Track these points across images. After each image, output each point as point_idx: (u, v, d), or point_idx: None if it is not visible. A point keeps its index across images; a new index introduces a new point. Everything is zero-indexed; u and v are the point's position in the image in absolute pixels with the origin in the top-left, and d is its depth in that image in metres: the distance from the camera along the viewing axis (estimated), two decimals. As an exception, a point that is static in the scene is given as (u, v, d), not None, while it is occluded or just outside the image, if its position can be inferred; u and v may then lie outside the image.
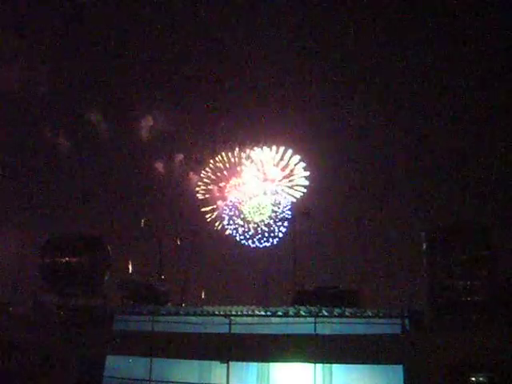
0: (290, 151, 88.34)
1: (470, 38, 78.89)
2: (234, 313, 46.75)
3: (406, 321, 43.40)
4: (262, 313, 46.63)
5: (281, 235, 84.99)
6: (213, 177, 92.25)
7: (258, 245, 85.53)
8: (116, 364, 48.87)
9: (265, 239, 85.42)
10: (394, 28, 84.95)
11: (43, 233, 63.40)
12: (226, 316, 46.28)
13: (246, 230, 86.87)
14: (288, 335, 44.45)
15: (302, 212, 79.42)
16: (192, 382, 46.04)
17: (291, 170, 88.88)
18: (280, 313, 46.10)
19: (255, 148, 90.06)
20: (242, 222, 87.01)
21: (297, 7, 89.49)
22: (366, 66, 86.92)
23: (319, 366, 43.19)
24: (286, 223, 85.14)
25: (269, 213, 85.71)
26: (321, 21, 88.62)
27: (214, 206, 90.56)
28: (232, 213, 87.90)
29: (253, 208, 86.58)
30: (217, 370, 45.13)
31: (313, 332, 44.15)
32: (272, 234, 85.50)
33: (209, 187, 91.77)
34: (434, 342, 42.05)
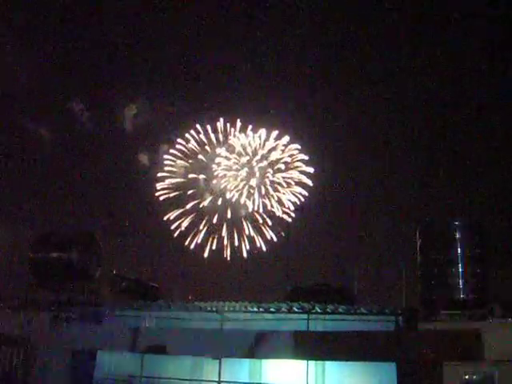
0: (286, 138, 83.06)
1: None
2: (226, 309, 46.37)
3: (400, 318, 43.11)
4: (255, 309, 46.25)
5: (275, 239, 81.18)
6: (182, 163, 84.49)
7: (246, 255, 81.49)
8: (107, 360, 48.48)
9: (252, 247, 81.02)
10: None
11: (34, 227, 62.97)
12: (217, 312, 45.91)
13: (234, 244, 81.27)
14: (281, 332, 44.10)
15: (294, 208, 76.92)
16: (183, 378, 45.67)
17: (286, 164, 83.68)
18: (272, 309, 45.74)
19: (237, 135, 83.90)
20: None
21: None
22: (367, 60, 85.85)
23: (312, 362, 42.87)
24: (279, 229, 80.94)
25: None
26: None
27: (182, 210, 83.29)
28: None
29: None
30: (208, 366, 44.78)
31: (306, 328, 43.88)
32: (263, 239, 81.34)
33: (174, 181, 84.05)
34: (428, 339, 41.77)
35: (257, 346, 43.82)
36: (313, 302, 44.94)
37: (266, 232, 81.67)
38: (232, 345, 44.18)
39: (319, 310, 44.29)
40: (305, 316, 44.29)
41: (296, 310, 44.88)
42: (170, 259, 78.11)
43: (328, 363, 43.15)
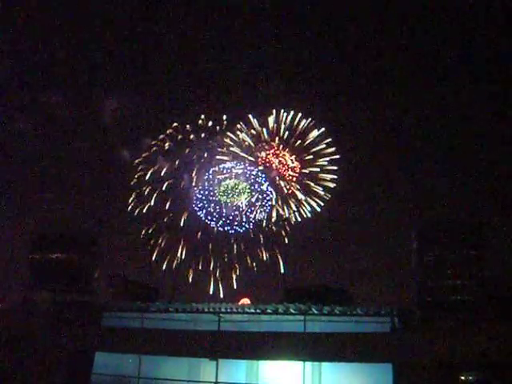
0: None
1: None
2: (223, 310, 46.58)
3: (396, 319, 43.36)
4: (252, 310, 46.48)
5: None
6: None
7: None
8: (105, 360, 48.63)
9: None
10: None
11: (33, 228, 63.23)
12: (215, 313, 46.11)
13: None
14: (277, 333, 44.33)
15: (282, 219, 74.74)
16: (181, 379, 45.84)
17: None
18: (269, 310, 45.96)
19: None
20: None
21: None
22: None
23: (308, 363, 43.10)
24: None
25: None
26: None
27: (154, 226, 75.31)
28: None
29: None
30: (206, 367, 44.99)
31: (302, 330, 44.07)
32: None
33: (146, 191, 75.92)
34: (424, 340, 42.08)
35: (254, 347, 44.06)
36: (309, 303, 45.17)
37: (260, 251, 76.95)
38: (229, 346, 44.43)
39: (316, 312, 44.51)
40: (301, 317, 44.49)
41: (293, 311, 45.10)
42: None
43: (324, 364, 43.41)
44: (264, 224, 76.44)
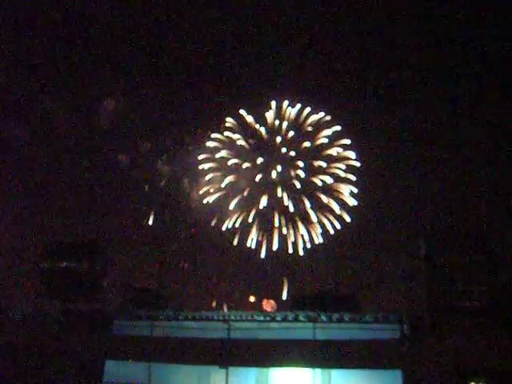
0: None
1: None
2: (232, 318, 46.73)
3: (405, 326, 43.42)
4: (261, 318, 46.61)
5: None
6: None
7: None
8: (115, 368, 48.79)
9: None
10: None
11: (42, 238, 63.30)
12: (224, 321, 46.26)
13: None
14: (287, 340, 44.47)
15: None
16: (191, 387, 46.11)
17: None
18: (279, 318, 46.13)
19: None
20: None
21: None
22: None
23: (318, 370, 43.23)
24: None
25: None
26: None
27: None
28: None
29: None
30: (216, 375, 45.11)
31: (312, 337, 44.20)
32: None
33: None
34: (433, 346, 42.11)
35: (264, 354, 44.18)
36: (318, 310, 45.33)
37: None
38: (239, 353, 44.54)
39: (325, 319, 44.64)
40: (311, 324, 44.62)
41: (302, 318, 45.24)
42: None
43: (334, 371, 43.51)
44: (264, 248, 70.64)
